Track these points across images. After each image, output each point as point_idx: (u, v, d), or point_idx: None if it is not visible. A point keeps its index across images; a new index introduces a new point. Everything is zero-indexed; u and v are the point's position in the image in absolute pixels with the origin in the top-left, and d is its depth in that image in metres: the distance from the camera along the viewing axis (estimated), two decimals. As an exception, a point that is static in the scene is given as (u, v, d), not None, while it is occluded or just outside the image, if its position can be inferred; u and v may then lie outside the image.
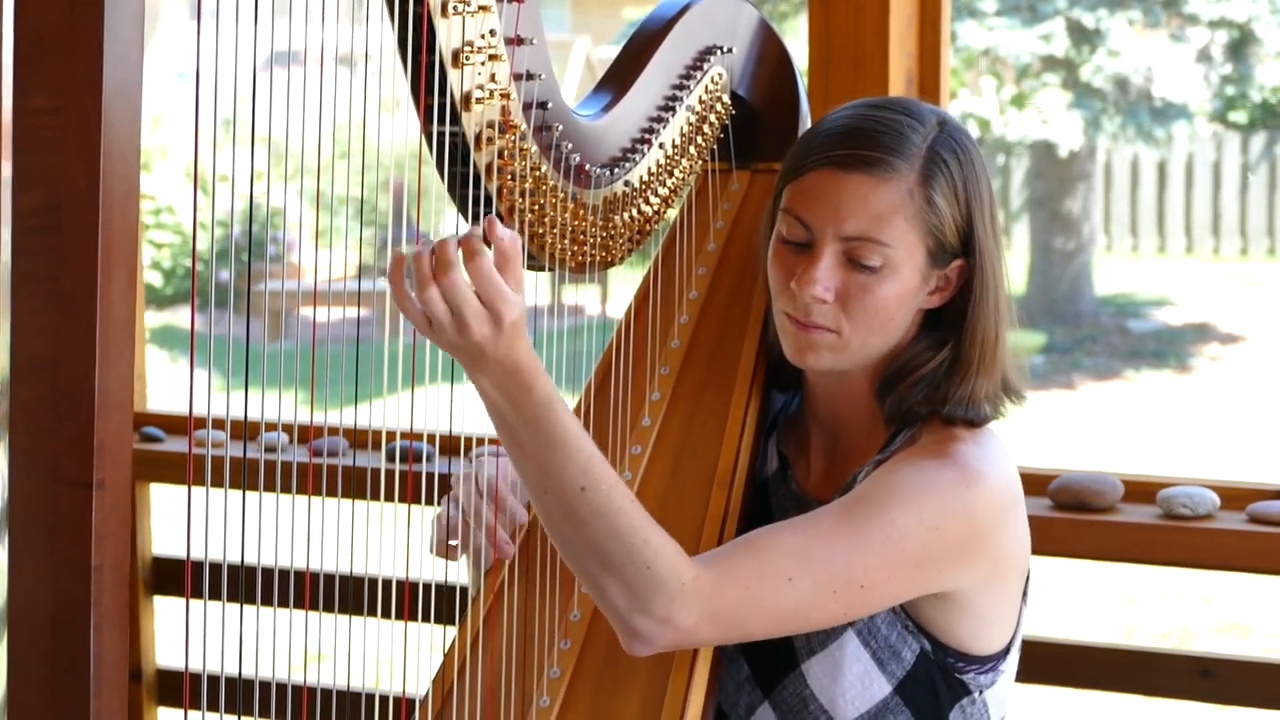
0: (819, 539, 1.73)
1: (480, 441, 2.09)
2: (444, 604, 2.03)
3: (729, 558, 1.72)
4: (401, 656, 1.83)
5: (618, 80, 2.01)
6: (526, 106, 1.84)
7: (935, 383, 1.85)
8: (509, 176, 1.84)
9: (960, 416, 1.84)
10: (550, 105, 1.85)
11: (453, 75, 1.75)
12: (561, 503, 1.65)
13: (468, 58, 1.75)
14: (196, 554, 1.60)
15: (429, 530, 1.95)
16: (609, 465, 1.68)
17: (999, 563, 1.83)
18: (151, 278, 12.15)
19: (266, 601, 2.29)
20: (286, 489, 1.81)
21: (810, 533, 1.74)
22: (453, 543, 1.91)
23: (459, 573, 2.03)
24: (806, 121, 2.21)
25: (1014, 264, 13.61)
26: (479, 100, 1.77)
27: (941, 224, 1.81)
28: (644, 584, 1.66)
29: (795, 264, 1.84)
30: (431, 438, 2.95)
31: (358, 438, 3.09)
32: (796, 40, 10.76)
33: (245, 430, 1.64)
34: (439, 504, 1.97)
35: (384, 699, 2.22)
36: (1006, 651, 1.89)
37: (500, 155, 1.82)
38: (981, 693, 1.88)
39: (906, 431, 1.87)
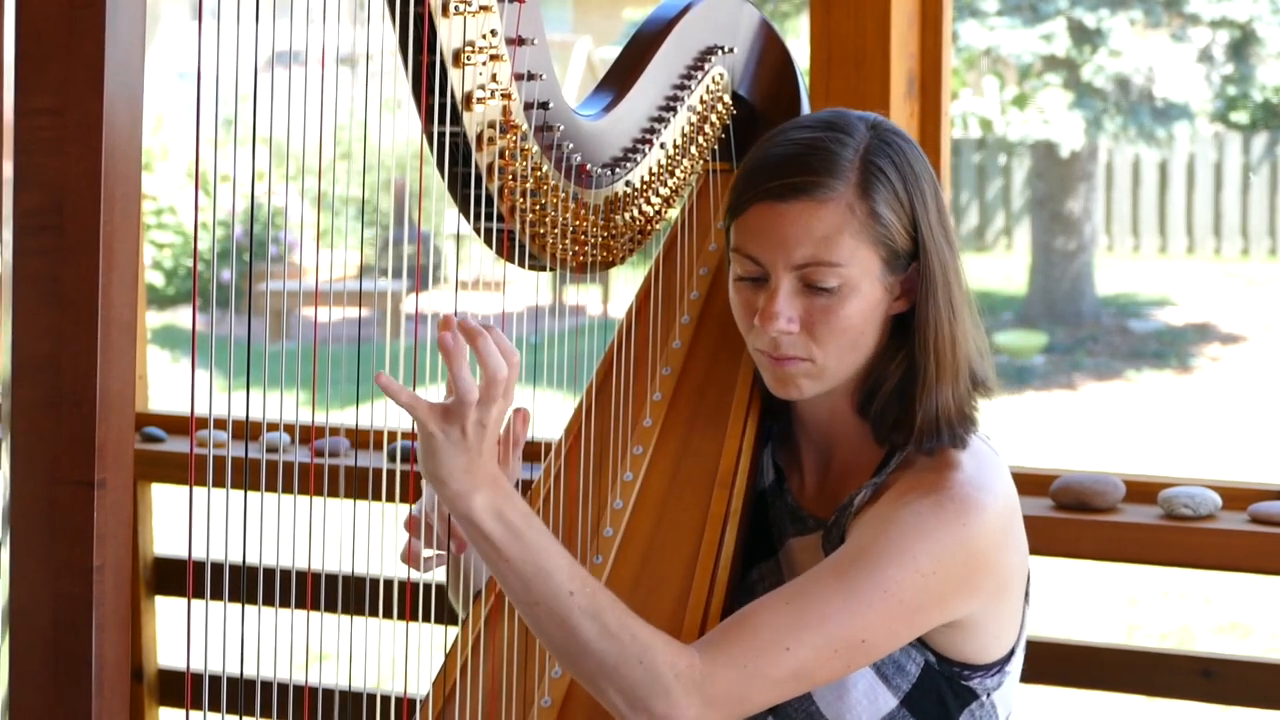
0: (814, 604, 1.72)
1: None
2: (446, 604, 2.03)
3: (722, 639, 1.72)
4: (403, 656, 1.83)
5: (619, 80, 2.01)
6: (528, 106, 1.84)
7: (907, 394, 1.83)
8: (510, 177, 1.84)
9: (943, 444, 1.82)
10: (551, 105, 1.85)
11: (454, 75, 1.75)
12: (554, 611, 1.67)
13: (469, 58, 1.75)
14: (198, 554, 1.60)
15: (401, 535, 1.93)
16: (583, 568, 1.70)
17: (1003, 583, 1.83)
18: (153, 278, 12.16)
19: (268, 601, 2.29)
20: (288, 489, 1.80)
21: (804, 600, 1.73)
22: (427, 554, 1.88)
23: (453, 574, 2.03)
24: (808, 122, 2.21)
25: (1015, 264, 13.65)
26: (480, 100, 1.77)
27: (890, 232, 1.80)
28: (639, 681, 1.67)
29: (755, 299, 1.83)
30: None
31: (359, 438, 3.09)
32: (798, 40, 10.76)
33: (247, 430, 1.64)
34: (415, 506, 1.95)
35: (386, 699, 2.22)
36: (1011, 653, 1.89)
37: (501, 155, 1.82)
38: (989, 695, 1.87)
39: (900, 453, 1.86)
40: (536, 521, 1.68)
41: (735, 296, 1.87)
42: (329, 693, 1.92)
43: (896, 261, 1.82)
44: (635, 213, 2.03)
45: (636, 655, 1.67)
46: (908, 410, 1.83)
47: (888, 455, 1.87)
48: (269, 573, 2.83)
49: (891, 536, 1.75)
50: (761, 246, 1.81)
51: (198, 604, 1.61)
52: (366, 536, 1.81)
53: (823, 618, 1.71)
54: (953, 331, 1.83)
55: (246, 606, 1.77)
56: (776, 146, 1.84)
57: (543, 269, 1.96)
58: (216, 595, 1.62)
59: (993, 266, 13.86)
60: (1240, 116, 13.70)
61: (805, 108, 2.21)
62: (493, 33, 1.77)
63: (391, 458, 3.00)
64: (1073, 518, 2.73)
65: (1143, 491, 2.78)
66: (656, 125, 2.03)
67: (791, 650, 1.70)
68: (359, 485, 1.91)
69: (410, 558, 1.87)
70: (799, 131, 1.84)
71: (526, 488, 1.95)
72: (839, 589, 1.72)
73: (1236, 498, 2.75)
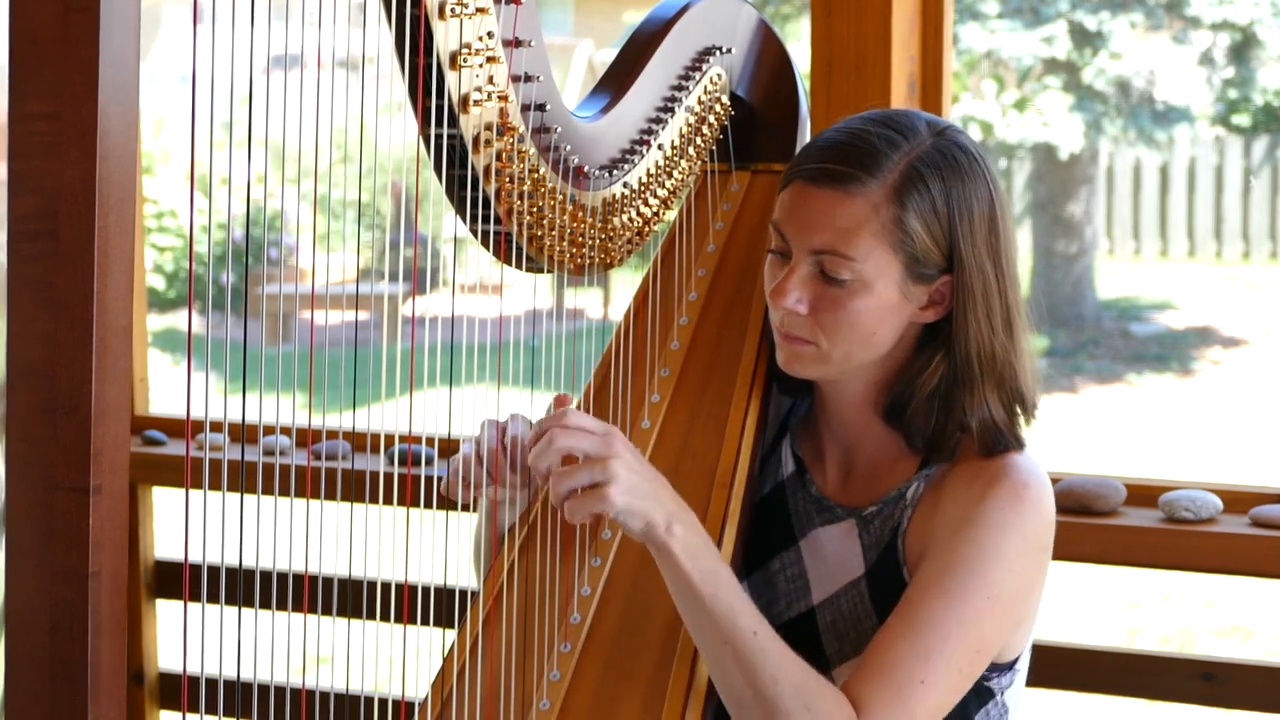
0: (931, 630, 1.73)
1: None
2: (444, 607, 2.03)
3: (863, 690, 1.72)
4: (401, 660, 1.83)
5: (616, 81, 2.01)
6: (525, 108, 1.83)
7: (946, 403, 1.84)
8: (507, 179, 1.84)
9: (999, 448, 1.85)
10: (548, 107, 1.85)
11: (450, 77, 1.75)
12: (739, 651, 1.69)
13: (465, 60, 1.75)
14: (197, 557, 1.60)
15: (458, 485, 1.94)
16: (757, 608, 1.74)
17: (1047, 572, 1.86)
18: (154, 281, 12.16)
19: (267, 605, 2.28)
20: (287, 492, 1.80)
21: (919, 627, 1.74)
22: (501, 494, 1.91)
23: (460, 576, 2.03)
24: (806, 122, 2.21)
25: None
26: (477, 102, 1.77)
27: (913, 240, 1.80)
28: None
29: (779, 274, 1.86)
30: (431, 441, 2.95)
31: (358, 441, 3.09)
32: (799, 44, 10.77)
33: (243, 433, 1.63)
34: (451, 465, 1.95)
35: (384, 702, 2.21)
36: (1020, 654, 1.90)
37: (498, 157, 1.82)
38: (1002, 694, 1.89)
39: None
40: (726, 567, 1.72)
41: (766, 268, 1.90)
42: (327, 696, 1.92)
43: (920, 271, 1.82)
44: (633, 214, 2.03)
45: (806, 701, 1.69)
46: (949, 420, 1.85)
47: (928, 454, 1.88)
48: (267, 576, 2.83)
49: (981, 539, 1.77)
50: (788, 224, 1.85)
51: (196, 607, 1.60)
52: (365, 540, 1.81)
53: (944, 638, 1.73)
54: (993, 346, 1.84)
55: (245, 610, 1.76)
56: (832, 131, 1.87)
57: (540, 271, 1.96)
58: (215, 599, 1.62)
59: (994, 269, 13.83)
60: (1241, 119, 13.68)
61: (803, 107, 2.21)
62: (489, 35, 1.76)
63: (390, 461, 3.00)
64: (1074, 521, 2.73)
65: (1144, 495, 2.78)
66: (654, 126, 2.02)
67: (927, 682, 1.72)
68: (358, 488, 1.91)
69: (456, 485, 1.90)
70: (858, 121, 1.87)
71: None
72: (950, 605, 1.74)
73: (1237, 501, 2.74)
